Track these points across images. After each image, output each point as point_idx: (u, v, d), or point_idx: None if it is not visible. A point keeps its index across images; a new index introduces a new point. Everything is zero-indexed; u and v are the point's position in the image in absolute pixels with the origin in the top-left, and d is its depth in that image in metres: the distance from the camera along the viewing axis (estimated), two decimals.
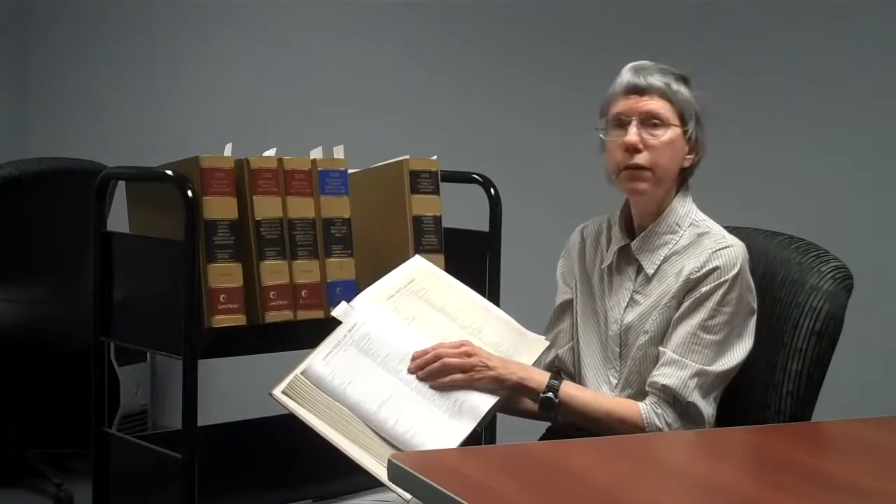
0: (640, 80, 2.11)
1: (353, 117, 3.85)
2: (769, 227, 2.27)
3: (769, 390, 2.06)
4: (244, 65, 4.29)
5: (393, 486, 1.62)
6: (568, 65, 3.42)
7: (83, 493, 2.65)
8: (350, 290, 2.13)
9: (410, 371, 2.01)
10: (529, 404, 2.14)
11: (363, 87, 3.93)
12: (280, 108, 4.10)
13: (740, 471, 1.64)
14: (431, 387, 2.00)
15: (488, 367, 2.02)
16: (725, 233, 2.13)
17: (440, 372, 2.00)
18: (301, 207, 2.10)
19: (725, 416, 2.08)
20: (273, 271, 2.05)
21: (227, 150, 2.07)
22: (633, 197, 2.16)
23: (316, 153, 2.16)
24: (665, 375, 2.05)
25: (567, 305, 2.27)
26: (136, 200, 2.15)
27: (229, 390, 3.61)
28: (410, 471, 1.42)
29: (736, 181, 3.02)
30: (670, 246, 2.14)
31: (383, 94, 3.88)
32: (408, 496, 1.51)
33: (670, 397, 2.04)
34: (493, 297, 2.35)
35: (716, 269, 2.07)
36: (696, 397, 2.03)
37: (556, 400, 2.05)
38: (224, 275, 1.99)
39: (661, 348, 2.08)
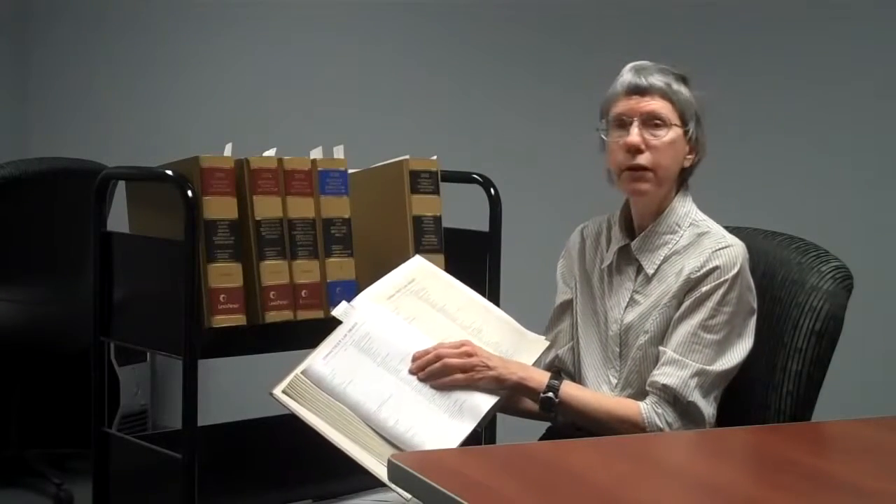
0: (642, 81, 2.11)
1: (353, 117, 3.85)
2: (769, 227, 2.27)
3: (769, 390, 2.06)
4: (244, 65, 4.29)
5: (393, 486, 1.62)
6: (568, 65, 3.42)
7: (83, 493, 2.65)
8: (350, 290, 2.13)
9: (411, 372, 2.01)
10: (530, 404, 2.14)
11: (363, 87, 3.93)
12: (280, 108, 4.10)
13: (740, 471, 1.64)
14: (432, 386, 2.00)
15: (489, 367, 2.02)
16: (725, 232, 2.13)
17: (441, 372, 2.00)
18: (301, 207, 2.10)
19: (725, 416, 2.08)
20: (273, 271, 2.05)
21: (227, 150, 2.06)
22: (634, 197, 2.16)
23: (316, 153, 2.16)
24: (665, 375, 2.05)
25: (567, 305, 2.27)
26: (136, 200, 2.15)
27: (229, 390, 3.61)
28: (410, 471, 1.42)
29: (736, 181, 3.02)
30: (670, 246, 2.14)
31: (383, 94, 3.88)
32: (408, 496, 1.51)
33: (671, 397, 2.04)
34: (493, 297, 2.35)
35: (716, 268, 2.07)
36: (696, 397, 2.03)
37: (557, 400, 2.06)
38: (224, 275, 1.99)
39: (661, 348, 2.08)
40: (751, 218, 2.32)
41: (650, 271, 2.14)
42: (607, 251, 2.21)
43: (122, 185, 2.19)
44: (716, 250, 2.09)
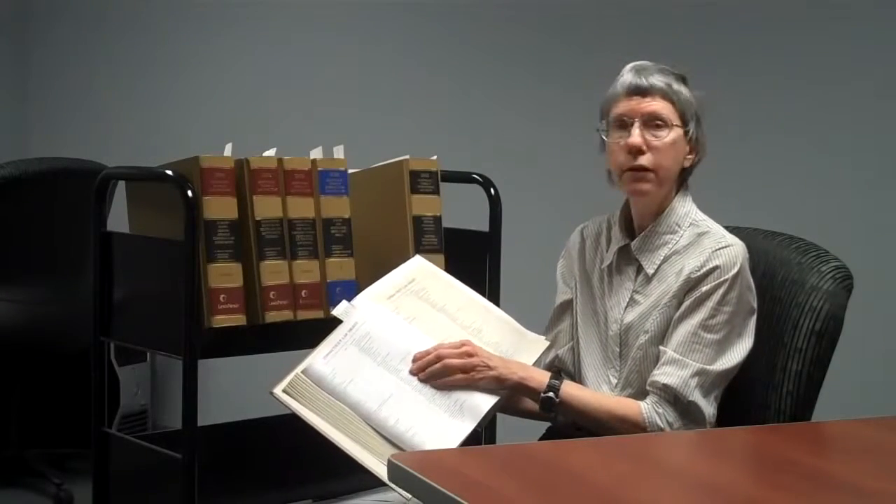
0: (642, 81, 2.11)
1: (353, 117, 3.85)
2: (769, 227, 2.27)
3: (769, 390, 2.06)
4: (244, 65, 4.29)
5: (393, 486, 1.62)
6: (568, 65, 3.42)
7: (83, 493, 2.65)
8: (350, 290, 2.13)
9: (412, 372, 2.01)
10: (530, 404, 2.14)
11: (363, 87, 3.93)
12: (280, 108, 4.10)
13: (740, 471, 1.64)
14: (432, 386, 2.00)
15: (489, 367, 2.02)
16: (725, 232, 2.13)
17: (441, 373, 2.00)
18: (301, 207, 2.10)
19: (726, 416, 2.08)
20: (273, 271, 2.05)
21: (227, 150, 2.07)
22: (634, 198, 2.16)
23: (316, 153, 2.16)
24: (666, 375, 2.05)
25: (567, 305, 2.27)
26: (136, 200, 2.15)
27: (229, 390, 3.61)
28: (410, 471, 1.42)
29: (736, 181, 3.02)
30: (670, 246, 2.14)
31: (383, 94, 3.88)
32: (408, 495, 1.51)
33: (671, 396, 2.04)
34: (493, 297, 2.35)
35: (716, 268, 2.07)
36: (696, 396, 2.03)
37: (557, 399, 2.05)
38: (224, 275, 1.99)
39: (661, 347, 2.08)
40: (751, 218, 2.32)
41: (650, 271, 2.14)
42: (607, 251, 2.21)
43: (122, 185, 2.19)
44: (716, 250, 2.09)
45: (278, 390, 1.95)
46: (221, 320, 1.98)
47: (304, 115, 3.99)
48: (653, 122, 2.11)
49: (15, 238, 3.55)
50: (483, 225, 2.42)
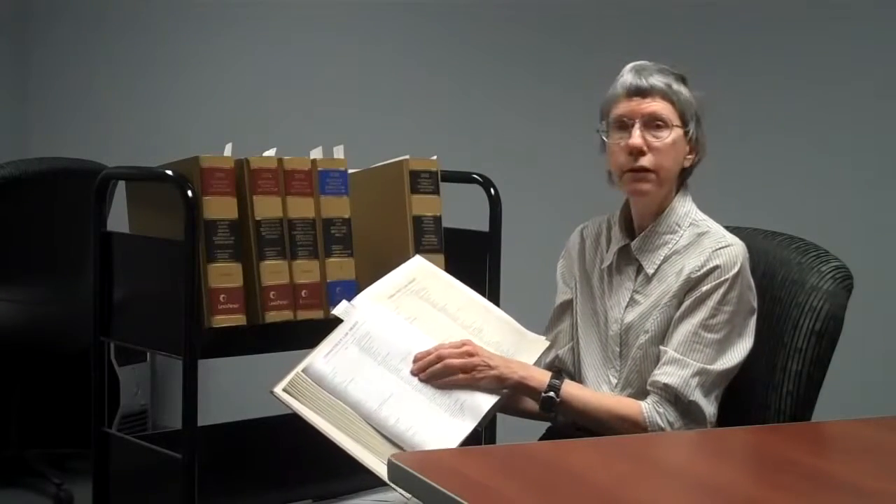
0: (643, 82, 2.11)
1: (353, 117, 3.85)
2: (769, 227, 2.27)
3: (769, 390, 2.06)
4: (244, 65, 4.29)
5: (394, 485, 1.62)
6: (568, 65, 3.42)
7: (83, 493, 2.65)
8: (350, 290, 2.13)
9: (413, 373, 2.01)
10: (530, 404, 2.14)
11: (363, 87, 3.93)
12: (280, 108, 4.10)
13: (740, 471, 1.64)
14: (433, 386, 2.00)
15: (490, 367, 2.02)
16: (725, 232, 2.13)
17: (442, 373, 2.00)
18: (301, 207, 2.10)
19: (726, 416, 2.08)
20: (273, 271, 2.05)
21: (227, 150, 2.07)
22: (635, 198, 2.16)
23: (316, 153, 2.16)
24: (667, 374, 2.05)
25: (567, 306, 2.27)
26: (136, 200, 2.15)
27: (229, 390, 3.61)
28: (410, 471, 1.42)
29: (736, 181, 3.02)
30: (670, 246, 2.14)
31: (383, 94, 3.88)
32: (409, 495, 1.51)
33: (672, 396, 2.04)
34: (493, 297, 2.35)
35: (716, 268, 2.07)
36: (697, 396, 2.03)
37: (558, 399, 2.05)
38: (224, 275, 1.99)
39: (662, 347, 2.08)
40: (751, 218, 2.32)
41: (650, 271, 2.14)
42: (607, 251, 2.21)
43: (122, 185, 2.19)
44: (716, 250, 2.09)
45: (279, 389, 1.95)
46: (221, 320, 1.98)
47: (304, 115, 3.99)
48: (653, 122, 2.11)
49: (15, 238, 3.55)
50: (483, 225, 2.42)
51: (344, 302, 2.06)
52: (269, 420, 2.26)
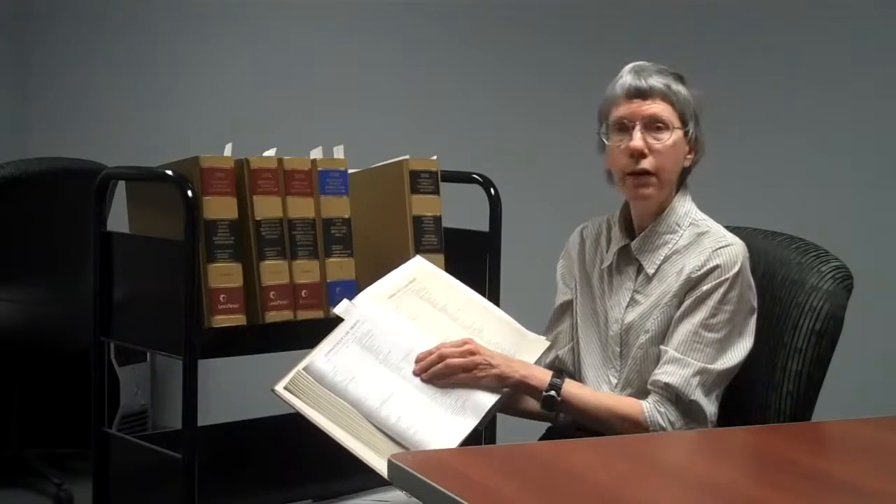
0: (642, 83, 2.11)
1: (353, 117, 3.85)
2: (769, 227, 2.27)
3: (769, 390, 2.06)
4: (244, 65, 4.29)
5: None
6: (568, 65, 3.42)
7: (83, 493, 2.65)
8: (350, 290, 2.13)
9: (414, 373, 2.01)
10: (531, 404, 2.14)
11: (363, 87, 3.93)
12: (280, 108, 4.10)
13: (740, 471, 1.64)
14: (434, 385, 2.00)
15: (491, 365, 2.02)
16: (725, 231, 2.13)
17: (444, 372, 2.00)
18: (301, 207, 2.10)
19: (726, 416, 2.08)
20: (273, 271, 2.05)
21: (227, 150, 2.06)
22: (636, 201, 2.16)
23: (316, 153, 2.16)
24: (667, 374, 2.05)
25: (567, 306, 2.27)
26: (136, 200, 2.15)
27: (229, 390, 3.61)
28: (410, 471, 1.42)
29: (736, 181, 3.02)
30: (670, 245, 2.14)
31: (383, 94, 3.88)
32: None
33: (673, 396, 2.04)
34: (493, 297, 2.35)
35: (716, 267, 2.07)
36: (698, 395, 2.03)
37: (559, 398, 2.05)
38: (224, 275, 1.99)
39: (662, 347, 2.08)
40: (751, 218, 2.32)
41: (650, 271, 2.14)
42: (607, 251, 2.21)
43: (122, 185, 2.19)
44: (716, 249, 2.09)
45: (280, 387, 1.95)
46: (221, 320, 1.98)
47: (304, 115, 3.99)
48: (653, 124, 2.10)
49: (15, 238, 3.55)
50: (483, 225, 2.42)
51: (345, 301, 2.06)
52: (269, 420, 2.26)
